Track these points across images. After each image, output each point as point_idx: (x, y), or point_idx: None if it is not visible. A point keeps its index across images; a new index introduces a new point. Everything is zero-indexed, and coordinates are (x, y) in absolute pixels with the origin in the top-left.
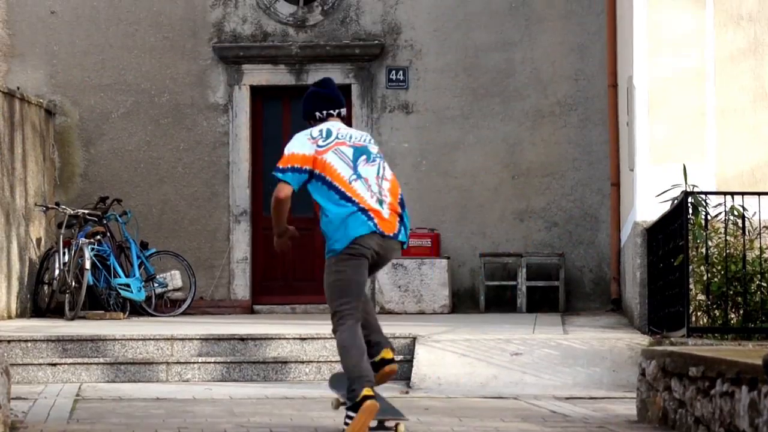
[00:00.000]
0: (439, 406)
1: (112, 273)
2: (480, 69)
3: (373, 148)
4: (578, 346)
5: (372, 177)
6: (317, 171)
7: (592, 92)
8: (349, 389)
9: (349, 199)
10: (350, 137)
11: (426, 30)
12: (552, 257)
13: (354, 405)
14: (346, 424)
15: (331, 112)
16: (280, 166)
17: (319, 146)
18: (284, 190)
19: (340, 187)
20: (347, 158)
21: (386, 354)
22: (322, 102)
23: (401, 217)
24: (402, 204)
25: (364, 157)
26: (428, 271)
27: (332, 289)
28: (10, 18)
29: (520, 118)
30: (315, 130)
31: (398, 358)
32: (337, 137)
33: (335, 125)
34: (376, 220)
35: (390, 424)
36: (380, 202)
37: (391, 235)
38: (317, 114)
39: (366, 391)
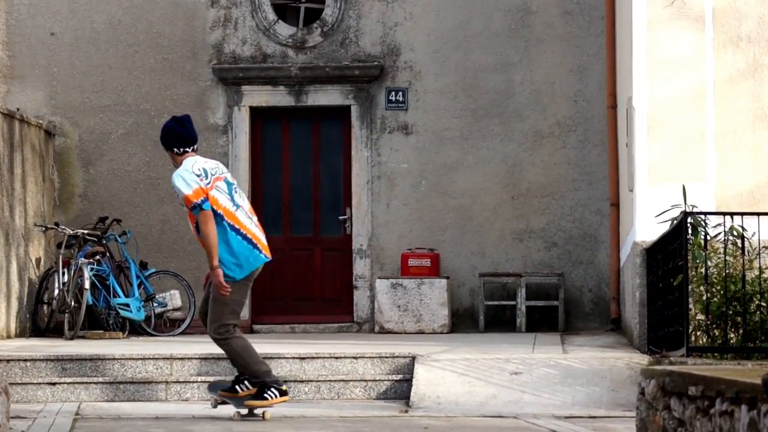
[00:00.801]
0: (439, 425)
1: (112, 293)
2: (479, 90)
3: (232, 178)
4: (578, 365)
5: (246, 206)
6: (210, 203)
7: (592, 113)
8: (270, 376)
9: (238, 231)
10: (218, 171)
11: (425, 51)
12: (551, 277)
13: (281, 391)
14: (269, 397)
15: (187, 149)
16: (198, 201)
17: (205, 184)
18: (211, 217)
19: (228, 220)
20: (225, 192)
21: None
22: (181, 141)
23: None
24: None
25: (233, 189)
26: (428, 291)
27: (226, 307)
28: (10, 39)
29: (520, 138)
30: (195, 169)
31: (398, 377)
32: (212, 174)
33: (199, 161)
34: (263, 251)
35: (258, 411)
36: (257, 226)
37: (269, 258)
38: (175, 149)
39: (285, 387)
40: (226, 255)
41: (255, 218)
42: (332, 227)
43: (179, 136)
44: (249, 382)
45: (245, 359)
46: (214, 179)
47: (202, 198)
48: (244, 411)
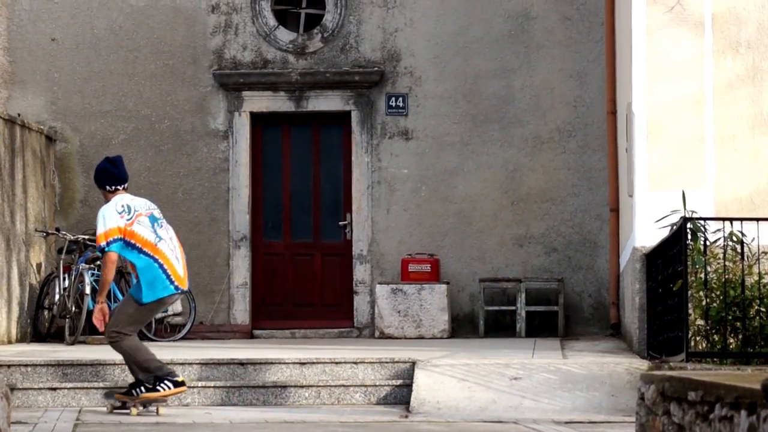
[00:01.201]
0: (439, 431)
1: (112, 298)
2: (479, 96)
3: (158, 214)
4: (577, 370)
5: (167, 238)
6: (127, 239)
7: (591, 119)
8: (162, 370)
9: (155, 260)
10: (142, 207)
11: (425, 57)
12: (551, 282)
13: (175, 383)
14: (162, 389)
15: (118, 187)
16: (104, 243)
17: (126, 220)
18: (113, 258)
19: (148, 251)
20: (148, 226)
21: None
22: (113, 179)
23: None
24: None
25: (156, 223)
26: (428, 296)
27: (127, 320)
28: (11, 45)
29: (520, 144)
30: (118, 206)
31: (398, 382)
32: (135, 210)
33: (126, 198)
34: (176, 283)
35: (152, 408)
36: (177, 259)
37: (184, 289)
38: (107, 187)
39: (181, 378)
40: (141, 279)
41: (179, 251)
42: (332, 232)
43: (111, 175)
44: (145, 387)
45: (136, 356)
46: (136, 215)
47: (110, 239)
48: (118, 404)
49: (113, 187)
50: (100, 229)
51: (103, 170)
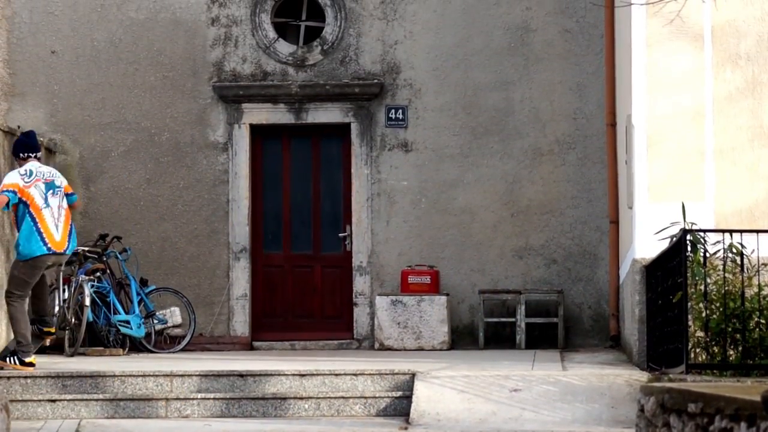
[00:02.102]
0: None
1: (112, 310)
2: (479, 108)
3: (58, 181)
4: (577, 382)
5: (55, 206)
6: (23, 198)
7: (591, 131)
8: (20, 345)
9: (35, 222)
10: (43, 174)
11: (425, 69)
12: (551, 294)
13: (21, 361)
14: (13, 362)
15: (30, 155)
16: (2, 190)
17: (25, 182)
18: (3, 199)
19: (34, 213)
20: (42, 192)
21: (50, 329)
22: (24, 148)
23: (70, 235)
24: (71, 226)
25: (52, 190)
26: (427, 308)
27: (14, 281)
28: (11, 57)
29: (519, 156)
30: (22, 170)
31: (398, 394)
32: (35, 176)
33: (35, 165)
34: (49, 244)
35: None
36: (56, 226)
37: (62, 251)
38: (20, 154)
39: (32, 359)
40: (20, 236)
41: (63, 220)
42: (332, 244)
43: (23, 144)
44: (19, 359)
45: (14, 326)
46: (35, 180)
47: (6, 189)
48: None
49: (25, 154)
50: (5, 181)
51: (17, 141)
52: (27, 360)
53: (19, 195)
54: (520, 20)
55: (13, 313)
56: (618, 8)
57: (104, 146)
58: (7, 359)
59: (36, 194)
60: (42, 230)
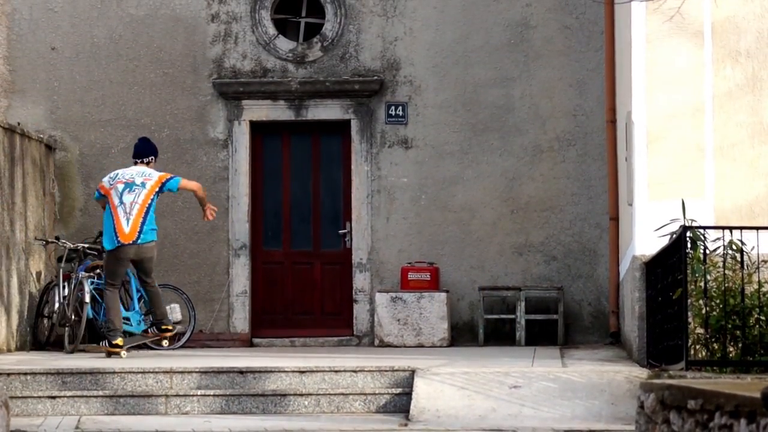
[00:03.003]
0: None
1: None
2: (479, 104)
3: (138, 179)
4: (577, 379)
5: (128, 202)
6: (108, 198)
7: (591, 128)
8: (109, 330)
9: (111, 218)
10: (125, 176)
11: (425, 66)
12: (551, 291)
13: (110, 342)
14: (105, 344)
15: (137, 160)
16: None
17: (109, 184)
18: (102, 204)
19: (111, 211)
20: (119, 192)
21: (167, 327)
22: (134, 154)
23: (143, 227)
24: (145, 216)
25: (127, 189)
26: (427, 305)
27: (104, 271)
28: (11, 54)
29: (519, 153)
30: (111, 174)
31: (397, 390)
32: (119, 178)
33: (126, 169)
34: (119, 237)
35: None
36: (127, 220)
37: (129, 242)
38: (134, 160)
39: (118, 341)
40: (103, 227)
41: (135, 213)
42: (332, 241)
43: (135, 149)
44: (108, 342)
45: (106, 312)
46: (117, 182)
47: (97, 189)
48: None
49: (133, 160)
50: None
51: (134, 147)
52: (114, 342)
53: (102, 193)
54: (520, 17)
55: (106, 301)
56: (618, 5)
57: (104, 143)
58: (100, 342)
59: (114, 194)
60: (114, 225)
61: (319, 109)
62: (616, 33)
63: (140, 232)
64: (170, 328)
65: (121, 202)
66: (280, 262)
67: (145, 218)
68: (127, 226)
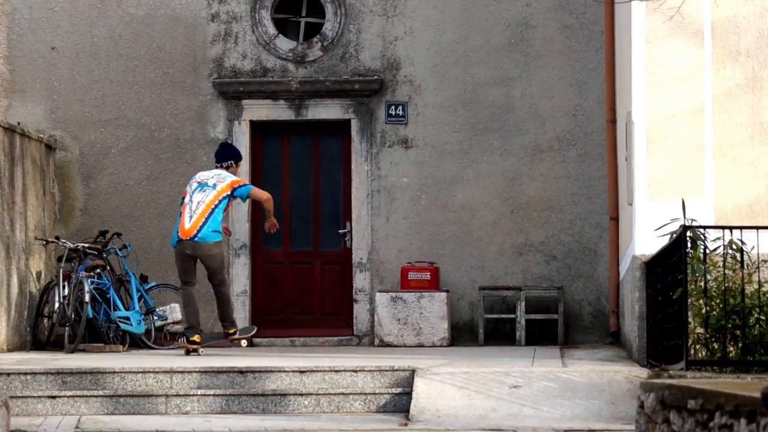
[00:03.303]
0: None
1: (112, 306)
2: (479, 104)
3: (211, 181)
4: (577, 378)
5: (196, 201)
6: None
7: (591, 127)
8: (186, 327)
9: (179, 217)
10: (202, 176)
11: (425, 66)
12: (551, 291)
13: (188, 339)
14: (183, 337)
15: (217, 164)
16: None
17: (188, 186)
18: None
19: (182, 209)
20: (191, 191)
21: (228, 330)
22: (215, 158)
23: (203, 225)
24: (208, 216)
25: (198, 189)
26: (427, 304)
27: (176, 267)
28: (11, 54)
29: (519, 153)
30: (195, 175)
31: (397, 390)
32: (195, 178)
33: (210, 171)
34: (179, 234)
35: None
36: (190, 217)
37: (187, 238)
38: (216, 164)
39: (196, 338)
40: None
41: (199, 212)
42: (332, 241)
43: (216, 154)
44: (186, 339)
45: (185, 309)
46: (193, 181)
47: (183, 194)
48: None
49: (217, 164)
50: None
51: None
52: (191, 338)
53: (183, 196)
54: (520, 16)
55: (181, 298)
56: (618, 4)
57: (104, 143)
58: (179, 339)
59: (188, 192)
60: (179, 223)
61: (319, 109)
62: (616, 33)
63: (199, 230)
64: (230, 331)
65: (191, 200)
66: (280, 261)
67: (208, 218)
68: (189, 222)
